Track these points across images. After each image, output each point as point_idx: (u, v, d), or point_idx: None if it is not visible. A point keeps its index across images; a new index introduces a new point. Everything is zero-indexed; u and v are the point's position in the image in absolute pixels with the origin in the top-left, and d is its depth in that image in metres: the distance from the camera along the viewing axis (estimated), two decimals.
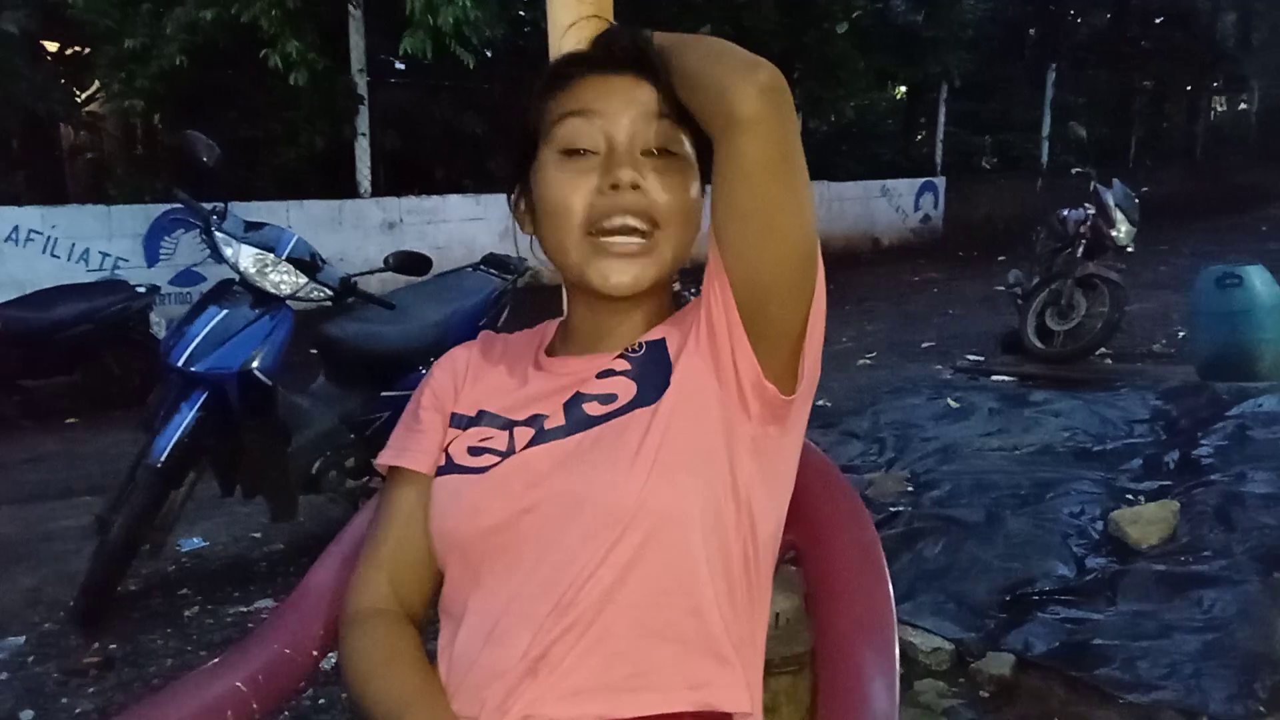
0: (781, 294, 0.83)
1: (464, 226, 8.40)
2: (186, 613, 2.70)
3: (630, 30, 0.91)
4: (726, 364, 0.86)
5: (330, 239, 7.45)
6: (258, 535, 3.25)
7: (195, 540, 3.18)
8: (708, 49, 0.83)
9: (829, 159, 12.67)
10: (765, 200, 0.80)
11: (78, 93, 8.44)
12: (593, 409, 0.88)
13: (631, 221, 0.86)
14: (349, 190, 8.25)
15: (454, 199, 8.56)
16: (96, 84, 8.05)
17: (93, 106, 8.71)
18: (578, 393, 0.90)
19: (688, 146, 0.89)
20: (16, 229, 6.55)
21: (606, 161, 0.87)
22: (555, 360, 0.96)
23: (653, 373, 0.88)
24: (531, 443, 0.89)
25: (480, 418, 0.94)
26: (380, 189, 8.49)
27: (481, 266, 3.42)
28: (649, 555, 0.82)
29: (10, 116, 7.70)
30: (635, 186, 0.86)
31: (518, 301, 3.37)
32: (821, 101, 12.18)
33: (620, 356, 0.91)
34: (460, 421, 0.95)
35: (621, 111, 0.87)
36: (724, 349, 0.85)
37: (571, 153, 0.88)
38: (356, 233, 8.00)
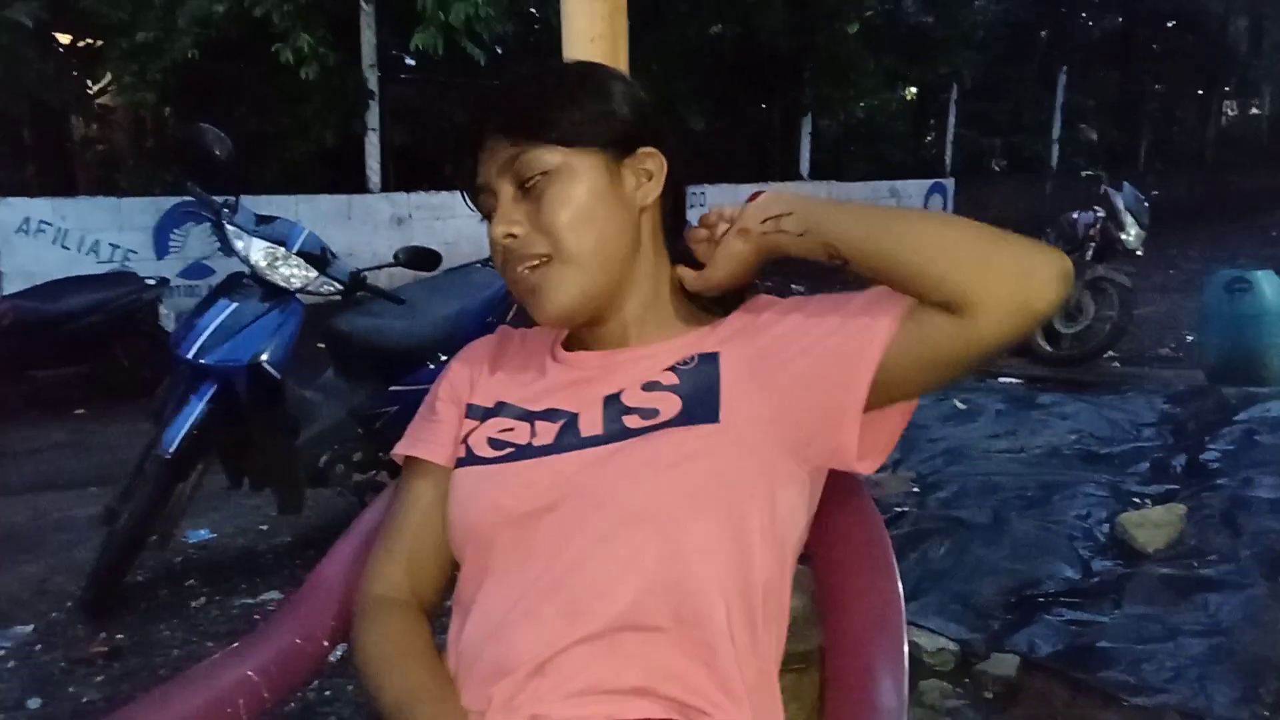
0: (916, 394, 0.85)
1: (472, 222, 8.24)
2: (193, 603, 2.71)
3: (493, 94, 0.93)
4: (806, 419, 0.84)
5: (339, 234, 7.45)
6: (265, 528, 3.27)
7: (203, 532, 3.19)
8: (963, 224, 0.81)
9: (838, 159, 12.66)
10: (980, 362, 0.81)
11: (89, 85, 8.46)
12: (633, 422, 0.87)
13: (525, 266, 0.88)
14: (358, 185, 8.27)
15: (460, 195, 8.53)
16: (108, 76, 8.07)
17: (104, 99, 8.74)
18: (622, 404, 0.89)
19: (558, 153, 0.88)
20: (27, 220, 6.57)
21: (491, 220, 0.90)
22: (572, 354, 0.95)
23: (700, 392, 0.87)
24: (566, 448, 0.88)
25: (499, 409, 0.94)
26: (390, 184, 8.50)
27: (490, 263, 3.42)
28: (668, 583, 0.81)
29: (21, 108, 7.72)
30: (509, 236, 0.88)
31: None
32: (831, 101, 12.15)
33: (669, 370, 0.90)
34: (477, 413, 0.95)
35: (492, 171, 0.90)
36: (814, 405, 0.84)
37: (486, 218, 0.93)
38: (365, 228, 8.01)
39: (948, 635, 2.30)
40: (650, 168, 0.92)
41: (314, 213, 7.60)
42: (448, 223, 8.27)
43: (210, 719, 0.99)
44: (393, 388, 3.00)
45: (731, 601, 0.82)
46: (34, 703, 2.23)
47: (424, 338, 3.04)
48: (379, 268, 3.06)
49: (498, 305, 3.23)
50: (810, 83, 11.82)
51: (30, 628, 2.57)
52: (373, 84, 8.22)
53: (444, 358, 3.00)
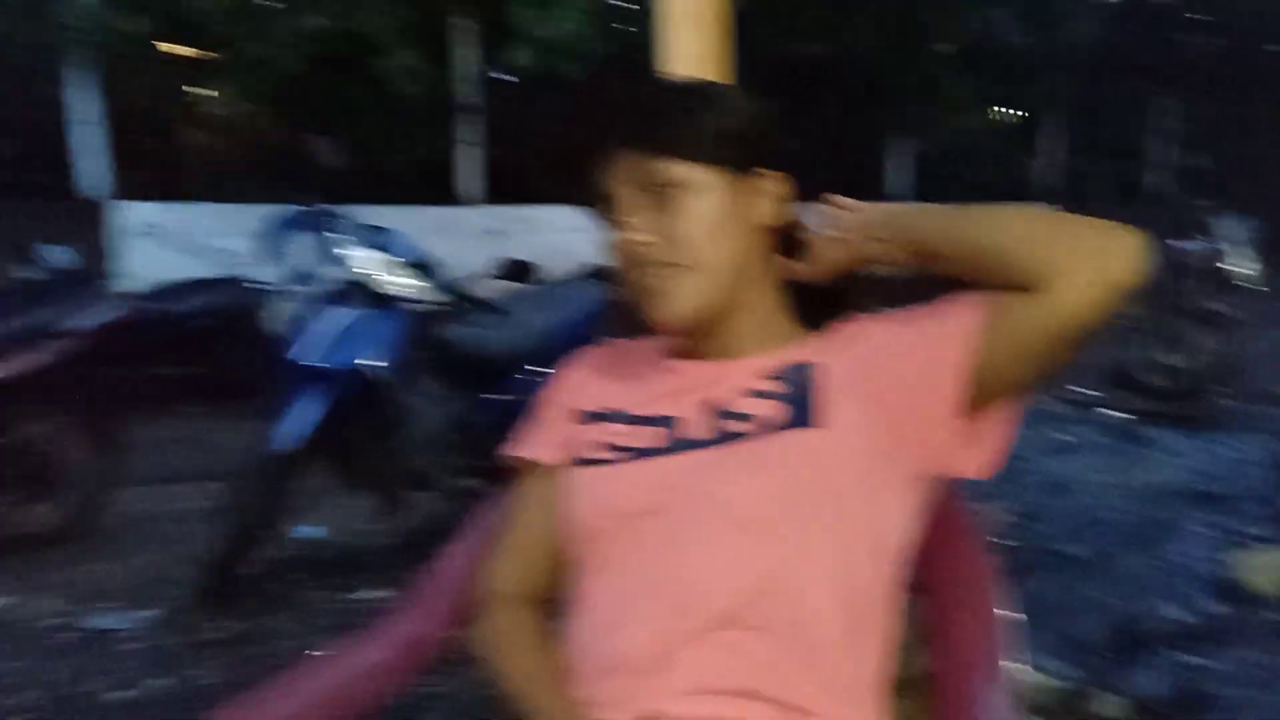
0: (1014, 389, 0.87)
1: (565, 237, 8.46)
2: (303, 597, 2.81)
3: (618, 101, 0.95)
4: (903, 421, 0.86)
5: (435, 245, 7.61)
6: (368, 528, 3.35)
7: (311, 529, 3.28)
8: (1037, 211, 0.87)
9: (931, 183, 12.45)
10: (1070, 343, 0.83)
11: (198, 94, 8.85)
12: (736, 427, 0.90)
13: (651, 275, 0.90)
14: (453, 198, 8.47)
15: (557, 209, 8.70)
16: (216, 86, 8.43)
17: (212, 108, 9.13)
18: (726, 409, 0.92)
19: (690, 168, 0.90)
20: (139, 224, 6.88)
21: (620, 226, 0.92)
22: (678, 362, 0.99)
23: (801, 398, 0.89)
24: (672, 449, 0.91)
25: (607, 414, 0.98)
26: (485, 197, 8.70)
27: (590, 277, 3.48)
28: (770, 583, 0.83)
29: (133, 115, 8.11)
30: (641, 245, 0.90)
31: (623, 314, 3.40)
32: (924, 124, 11.96)
33: (771, 377, 0.92)
34: (587, 417, 0.99)
35: (619, 179, 0.92)
36: (910, 406, 0.86)
37: (611, 222, 0.94)
38: (460, 239, 8.19)
39: (1050, 672, 2.24)
40: (771, 188, 0.95)
41: (410, 224, 7.75)
42: (542, 236, 8.40)
43: (338, 701, 1.05)
44: (490, 396, 3.07)
45: (834, 604, 0.85)
46: (158, 682, 2.33)
47: (521, 349, 3.10)
48: (476, 279, 3.13)
49: (594, 319, 3.28)
50: (902, 104, 11.67)
51: (155, 612, 2.70)
52: (472, 99, 8.42)
53: (539, 369, 3.06)
